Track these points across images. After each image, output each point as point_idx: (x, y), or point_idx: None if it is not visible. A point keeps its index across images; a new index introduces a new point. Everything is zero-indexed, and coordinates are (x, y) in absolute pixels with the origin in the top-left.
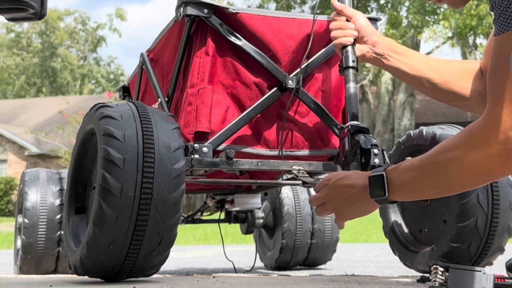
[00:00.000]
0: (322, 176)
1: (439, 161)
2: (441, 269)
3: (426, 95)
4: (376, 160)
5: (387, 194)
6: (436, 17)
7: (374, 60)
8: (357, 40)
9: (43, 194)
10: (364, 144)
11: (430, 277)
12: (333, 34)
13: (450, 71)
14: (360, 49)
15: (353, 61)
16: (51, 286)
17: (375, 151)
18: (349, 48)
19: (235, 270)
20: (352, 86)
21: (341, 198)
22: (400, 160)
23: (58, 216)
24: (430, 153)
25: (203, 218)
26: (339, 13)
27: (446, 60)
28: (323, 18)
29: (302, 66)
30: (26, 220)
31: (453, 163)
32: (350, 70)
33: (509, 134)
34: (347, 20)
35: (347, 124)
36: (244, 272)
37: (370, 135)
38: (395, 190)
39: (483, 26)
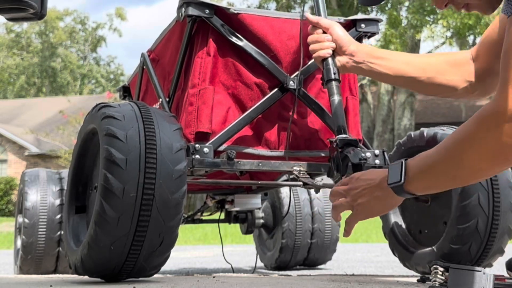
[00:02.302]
0: (322, 177)
1: (451, 144)
2: (441, 269)
3: (416, 92)
4: (377, 161)
5: (402, 180)
6: (435, 16)
7: (355, 69)
8: (336, 51)
9: (43, 194)
10: (353, 158)
11: (430, 277)
12: (311, 47)
13: (433, 65)
14: (340, 60)
15: (334, 73)
16: (51, 286)
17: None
18: (329, 60)
19: (233, 271)
20: (336, 99)
21: (360, 190)
22: None
23: (58, 216)
24: (445, 139)
25: (203, 218)
26: (315, 26)
27: (429, 55)
28: None
29: (303, 67)
30: (26, 220)
31: (465, 145)
32: (333, 82)
33: None
34: (324, 32)
35: (335, 139)
36: (234, 272)
37: (359, 148)
38: (411, 177)
39: (481, 25)
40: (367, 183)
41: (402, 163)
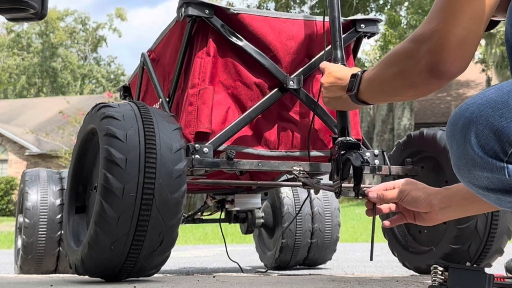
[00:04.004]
0: (323, 177)
1: (382, 60)
2: (441, 268)
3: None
4: (377, 161)
5: (356, 90)
6: None
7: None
8: None
9: (44, 194)
10: (355, 162)
11: (430, 277)
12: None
13: None
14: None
15: None
16: (51, 285)
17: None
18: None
19: (241, 270)
20: None
21: (327, 86)
22: (400, 161)
23: (59, 216)
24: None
25: (203, 217)
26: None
27: None
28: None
29: (304, 67)
30: (26, 220)
31: (386, 61)
32: None
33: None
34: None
35: (337, 141)
36: (243, 271)
37: (361, 150)
38: (362, 88)
39: None
40: (334, 82)
41: (358, 75)
